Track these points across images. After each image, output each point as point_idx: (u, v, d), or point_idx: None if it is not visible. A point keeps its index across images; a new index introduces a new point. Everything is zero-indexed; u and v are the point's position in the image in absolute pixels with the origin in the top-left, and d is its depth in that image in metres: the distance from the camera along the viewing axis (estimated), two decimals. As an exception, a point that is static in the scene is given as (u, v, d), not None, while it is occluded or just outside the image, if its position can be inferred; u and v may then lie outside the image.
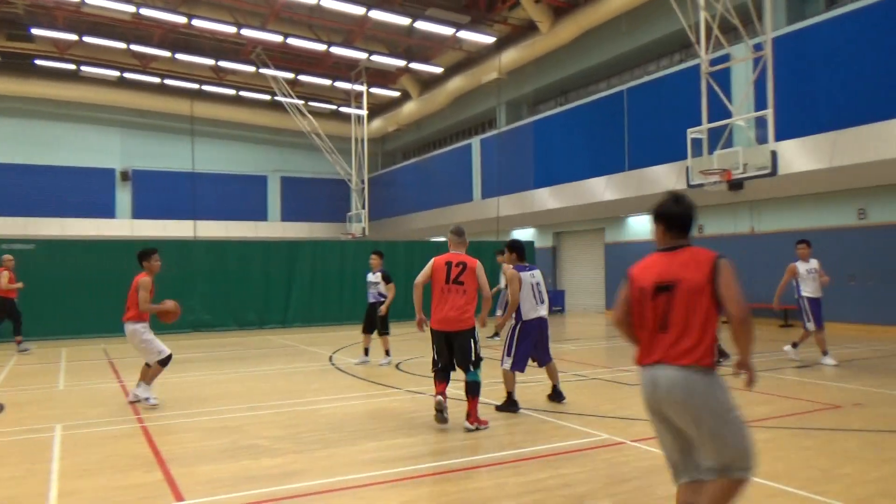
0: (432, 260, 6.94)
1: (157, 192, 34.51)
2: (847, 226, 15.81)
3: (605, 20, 22.89)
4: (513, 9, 25.25)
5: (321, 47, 27.05)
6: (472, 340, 6.67)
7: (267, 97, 34.23)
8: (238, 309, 18.47)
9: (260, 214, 37.78)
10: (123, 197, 34.45)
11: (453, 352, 6.72)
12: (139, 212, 34.41)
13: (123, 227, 33.22)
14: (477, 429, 6.44)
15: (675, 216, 3.52)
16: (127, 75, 30.84)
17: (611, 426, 6.55)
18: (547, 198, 25.15)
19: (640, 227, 21.63)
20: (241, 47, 29.68)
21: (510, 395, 7.32)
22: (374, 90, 33.11)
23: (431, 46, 29.03)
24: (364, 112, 31.87)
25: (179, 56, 28.56)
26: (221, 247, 19.26)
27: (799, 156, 16.10)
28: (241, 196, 37.02)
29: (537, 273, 7.46)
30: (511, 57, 26.66)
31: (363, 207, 31.30)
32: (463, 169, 31.43)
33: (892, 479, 4.83)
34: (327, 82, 32.24)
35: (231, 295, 18.38)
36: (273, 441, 6.15)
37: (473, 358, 6.64)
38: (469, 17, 25.07)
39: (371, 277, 11.13)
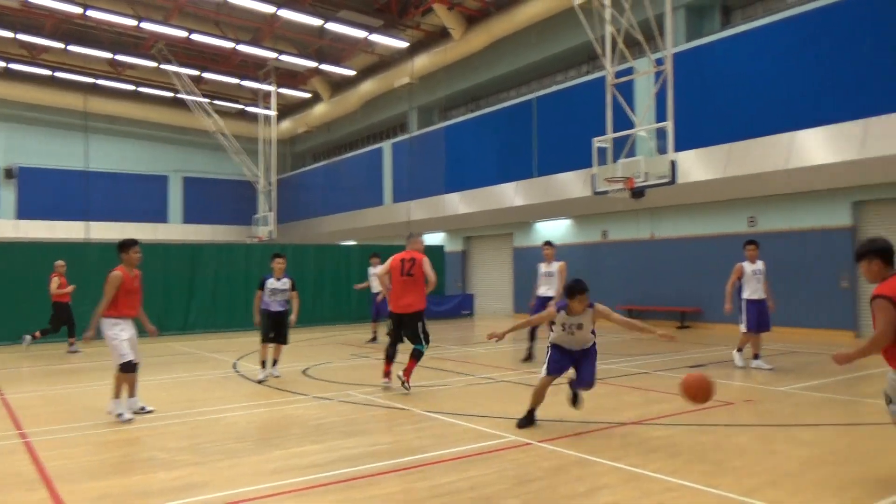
0: (391, 258, 8.76)
1: (46, 191, 32.46)
2: (738, 233, 16.77)
3: (515, 30, 23.38)
4: (426, 15, 25.37)
5: (228, 45, 26.26)
6: (419, 321, 8.58)
7: (169, 94, 32.87)
8: (135, 315, 17.58)
9: (160, 216, 36.20)
10: (7, 195, 32.21)
11: (401, 331, 8.63)
12: (25, 212, 32.25)
13: (6, 227, 31.02)
14: (404, 384, 8.42)
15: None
16: (14, 66, 28.85)
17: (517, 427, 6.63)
18: (457, 203, 25.37)
19: (548, 232, 22.16)
20: (142, 41, 28.40)
21: None
22: (283, 91, 32.43)
23: (343, 48, 28.75)
24: (273, 112, 31.19)
25: (73, 48, 26.95)
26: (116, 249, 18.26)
27: (696, 166, 16.97)
28: (140, 196, 35.35)
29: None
30: (423, 62, 26.77)
31: (270, 210, 30.56)
32: (374, 172, 31.26)
33: (777, 470, 5.12)
34: (234, 81, 31.32)
35: (128, 300, 17.44)
36: (172, 453, 5.85)
37: (421, 334, 8.58)
38: (381, 21, 25.00)
39: (277, 284, 9.79)
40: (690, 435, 6.28)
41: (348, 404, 7.98)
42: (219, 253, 19.34)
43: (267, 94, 31.35)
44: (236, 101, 34.83)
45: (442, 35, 25.80)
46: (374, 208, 31.00)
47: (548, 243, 11.71)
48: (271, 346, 9.99)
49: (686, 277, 17.97)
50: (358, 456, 5.68)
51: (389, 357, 8.86)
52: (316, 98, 34.46)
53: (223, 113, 33.23)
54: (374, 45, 27.45)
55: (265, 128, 31.86)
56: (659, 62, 14.88)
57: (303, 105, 35.92)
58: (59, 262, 14.10)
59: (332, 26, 23.89)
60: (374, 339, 15.23)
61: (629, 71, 15.79)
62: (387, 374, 8.85)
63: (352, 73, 29.54)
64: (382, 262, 15.31)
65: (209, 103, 31.36)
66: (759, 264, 10.60)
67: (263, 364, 9.94)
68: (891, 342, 4.45)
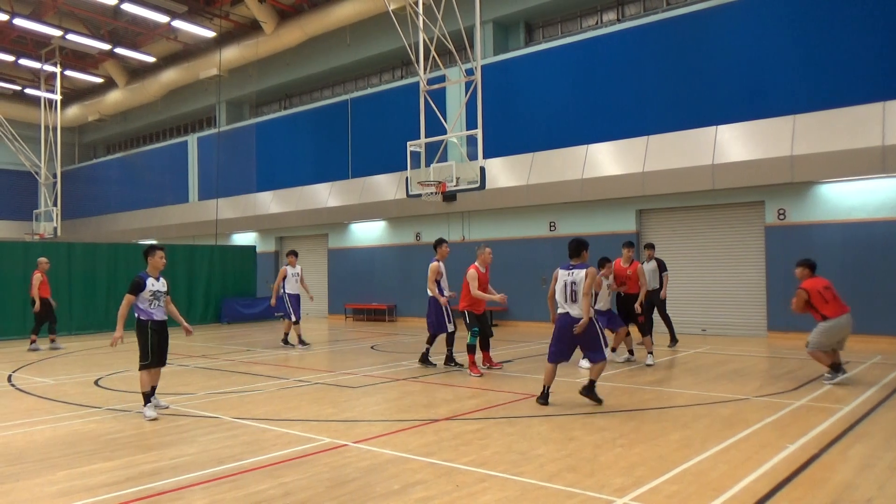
0: (473, 268, 11.33)
1: None
2: (540, 236, 17.99)
3: (330, 29, 23.16)
4: (235, 5, 24.30)
5: (2, 17, 23.21)
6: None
7: (-74, 68, 28.39)
8: None
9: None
10: None
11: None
12: None
13: None
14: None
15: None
16: None
17: (333, 430, 6.55)
18: (269, 202, 24.59)
19: (363, 233, 22.19)
20: None
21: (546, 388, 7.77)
22: (69, 73, 29.30)
23: (142, 33, 26.66)
24: (57, 97, 28.05)
25: None
26: None
27: (503, 173, 17.92)
28: None
29: (574, 273, 7.85)
30: (233, 54, 25.62)
31: (55, 204, 27.51)
32: (178, 167, 29.36)
33: (575, 455, 5.53)
34: (10, 58, 27.76)
35: None
36: (-75, 482, 5.02)
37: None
38: (186, 6, 23.52)
39: (158, 285, 7.89)
40: (499, 427, 6.60)
41: (148, 416, 7.37)
42: (-9, 251, 17.03)
43: (50, 76, 28.14)
44: (13, 82, 30.91)
45: (253, 28, 24.86)
46: (178, 205, 29.09)
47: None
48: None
49: (495, 278, 18.83)
50: (158, 470, 5.27)
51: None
52: (110, 84, 31.57)
53: (-4, 94, 29.37)
54: (177, 31, 25.75)
55: (48, 113, 28.59)
56: (469, 72, 15.50)
57: (94, 91, 32.76)
58: (42, 260, 14.34)
59: (130, 7, 22.04)
60: (288, 341, 14.56)
61: (441, 79, 16.28)
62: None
63: (151, 59, 27.43)
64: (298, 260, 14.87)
65: (-22, 82, 27.54)
66: (611, 279, 11.09)
67: (148, 397, 7.40)
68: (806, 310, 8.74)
